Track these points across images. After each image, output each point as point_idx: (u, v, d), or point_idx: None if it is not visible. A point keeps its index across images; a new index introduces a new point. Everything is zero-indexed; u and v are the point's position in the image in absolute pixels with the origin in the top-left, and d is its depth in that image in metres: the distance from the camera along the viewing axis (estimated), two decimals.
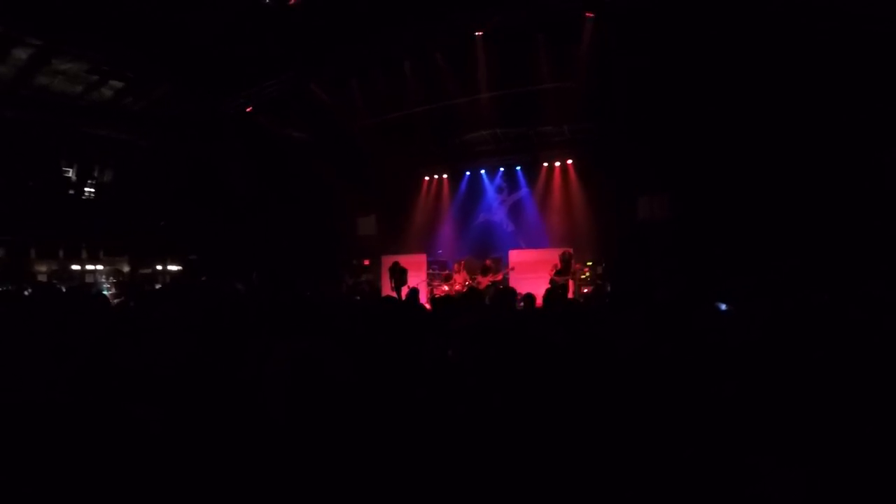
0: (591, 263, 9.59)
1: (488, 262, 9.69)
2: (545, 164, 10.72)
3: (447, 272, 10.22)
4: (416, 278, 9.14)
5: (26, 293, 5.70)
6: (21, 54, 8.04)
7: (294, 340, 1.81)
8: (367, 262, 10.30)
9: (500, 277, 9.46)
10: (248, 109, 9.90)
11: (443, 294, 8.78)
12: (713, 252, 7.84)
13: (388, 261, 10.94)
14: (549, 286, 8.05)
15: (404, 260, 9.96)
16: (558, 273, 8.57)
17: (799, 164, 7.33)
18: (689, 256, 8.18)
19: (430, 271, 10.46)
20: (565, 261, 8.64)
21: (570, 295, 8.29)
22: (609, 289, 8.62)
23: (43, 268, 11.15)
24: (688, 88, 7.75)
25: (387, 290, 9.57)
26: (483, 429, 1.72)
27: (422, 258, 10.55)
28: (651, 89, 7.96)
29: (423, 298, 7.91)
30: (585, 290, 9.14)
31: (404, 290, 8.26)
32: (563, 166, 10.60)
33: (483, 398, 1.87)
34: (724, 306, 3.65)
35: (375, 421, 1.69)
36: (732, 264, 7.35)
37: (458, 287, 9.17)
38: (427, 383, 1.95)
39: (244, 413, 1.75)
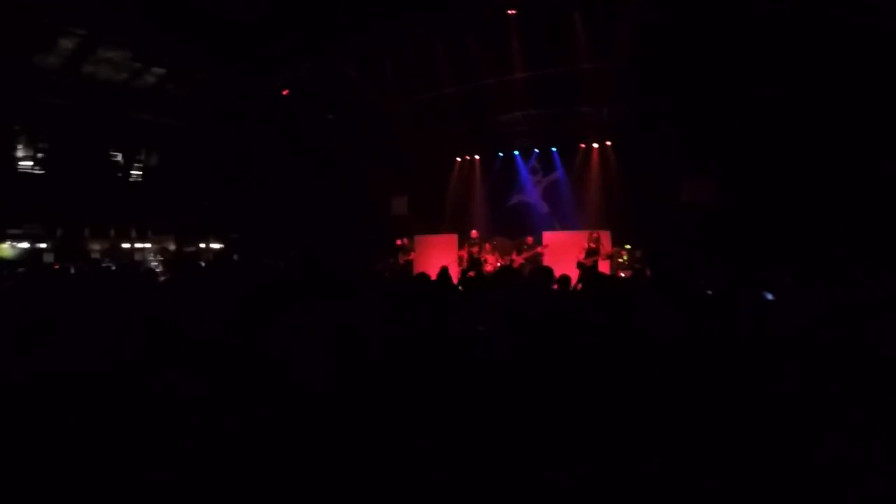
0: (629, 247, 9.30)
1: (530, 239, 9.56)
2: (582, 146, 10.40)
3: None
4: (448, 258, 9.13)
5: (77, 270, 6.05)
6: (67, 44, 8.40)
7: (331, 306, 1.83)
8: (399, 242, 10.36)
9: (533, 254, 9.32)
10: (284, 92, 10.03)
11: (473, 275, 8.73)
12: (760, 239, 7.43)
13: (421, 241, 10.95)
14: (579, 270, 7.90)
15: (437, 240, 9.88)
16: (587, 255, 8.39)
17: (851, 153, 6.78)
18: (734, 243, 7.79)
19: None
20: (594, 240, 8.45)
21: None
22: (648, 274, 8.35)
23: (96, 246, 11.84)
24: (737, 69, 7.27)
25: (418, 269, 9.63)
26: (514, 403, 1.70)
27: (453, 238, 10.52)
28: (697, 69, 7.52)
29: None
30: (623, 275, 8.89)
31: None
32: (602, 148, 10.25)
33: (517, 375, 1.84)
34: (770, 296, 3.47)
35: (407, 384, 1.69)
36: (779, 253, 6.95)
37: (488, 268, 9.11)
38: (458, 356, 1.94)
39: (281, 376, 1.79)
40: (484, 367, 1.94)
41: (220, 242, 13.00)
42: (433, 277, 3.89)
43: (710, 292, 3.53)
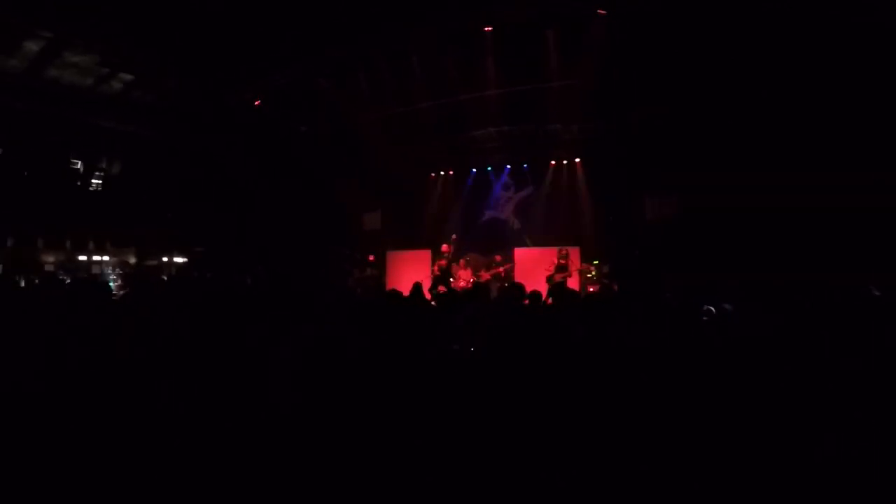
0: (597, 262, 9.50)
1: (498, 257, 9.69)
2: (553, 163, 10.65)
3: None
4: (421, 274, 9.10)
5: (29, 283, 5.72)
6: (32, 46, 8.09)
7: (306, 326, 1.79)
8: (371, 258, 10.25)
9: (501, 271, 9.44)
10: (256, 103, 9.88)
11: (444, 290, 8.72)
12: (722, 253, 7.73)
13: (392, 256, 10.86)
14: (548, 284, 8.03)
15: (409, 255, 9.80)
16: (557, 270, 8.58)
17: (810, 167, 7.18)
18: (697, 257, 8.08)
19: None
20: (563, 256, 8.68)
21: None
22: (616, 288, 8.54)
23: (50, 258, 11.21)
24: (700, 88, 7.65)
25: (391, 284, 9.55)
26: (489, 418, 1.68)
27: (426, 254, 10.51)
28: (662, 89, 7.86)
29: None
30: (591, 289, 9.06)
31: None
32: (571, 164, 10.53)
33: (492, 390, 1.83)
34: (728, 307, 3.60)
35: (383, 404, 1.66)
36: (740, 265, 7.23)
37: (462, 283, 9.12)
38: (431, 374, 1.92)
39: (249, 398, 1.73)
40: (462, 383, 1.93)
41: (183, 256, 12.53)
42: (406, 293, 3.85)
43: (674, 305, 3.63)
